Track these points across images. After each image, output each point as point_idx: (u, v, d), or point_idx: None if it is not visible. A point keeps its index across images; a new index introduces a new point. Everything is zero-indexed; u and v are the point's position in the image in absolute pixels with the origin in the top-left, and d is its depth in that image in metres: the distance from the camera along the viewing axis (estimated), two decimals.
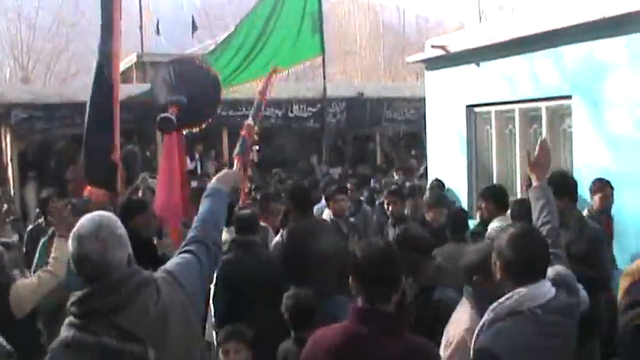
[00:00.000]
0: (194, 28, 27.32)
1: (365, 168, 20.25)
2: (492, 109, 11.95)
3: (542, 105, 10.81)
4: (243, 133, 9.82)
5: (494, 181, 11.82)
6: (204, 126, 9.91)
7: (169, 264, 3.81)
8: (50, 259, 6.16)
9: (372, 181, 15.98)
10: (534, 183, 4.81)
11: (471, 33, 12.74)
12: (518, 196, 11.25)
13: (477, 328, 3.88)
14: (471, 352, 3.88)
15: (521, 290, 3.74)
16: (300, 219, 7.97)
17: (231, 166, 17.93)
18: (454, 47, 12.47)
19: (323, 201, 10.06)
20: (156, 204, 8.75)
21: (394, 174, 17.10)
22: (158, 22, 28.14)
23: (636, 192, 8.73)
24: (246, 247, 7.14)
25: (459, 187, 12.38)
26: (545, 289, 3.80)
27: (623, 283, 4.67)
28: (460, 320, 4.52)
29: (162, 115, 8.67)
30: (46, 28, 44.83)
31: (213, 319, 7.24)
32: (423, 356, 3.78)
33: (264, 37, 16.42)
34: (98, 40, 8.38)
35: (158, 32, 27.41)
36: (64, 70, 45.63)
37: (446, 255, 6.45)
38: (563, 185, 6.58)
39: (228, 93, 17.78)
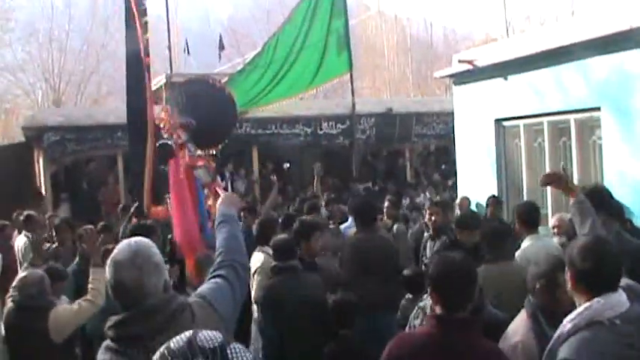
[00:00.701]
0: (221, 47, 27.37)
1: (395, 183, 20.24)
2: (521, 122, 11.93)
3: (571, 117, 10.77)
4: (200, 163, 9.29)
5: (525, 196, 11.79)
6: (220, 147, 9.54)
7: (202, 289, 3.81)
8: (89, 288, 6.27)
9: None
10: (572, 200, 4.91)
11: (498, 47, 12.75)
12: (549, 211, 11.22)
13: (554, 339, 3.82)
14: None
15: (600, 300, 3.70)
16: (362, 232, 8.19)
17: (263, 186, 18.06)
18: (481, 61, 12.48)
19: (350, 220, 10.07)
20: (175, 233, 8.25)
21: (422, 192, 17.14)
22: (187, 41, 28.17)
23: None
24: (287, 272, 6.97)
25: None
26: (623, 299, 3.77)
27: None
28: (514, 331, 4.61)
29: (161, 141, 8.40)
30: (76, 51, 45.30)
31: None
32: (493, 355, 4.14)
33: (291, 57, 16.54)
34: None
35: (188, 52, 27.45)
36: (95, 92, 46.09)
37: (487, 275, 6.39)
38: (599, 199, 6.55)
39: (257, 111, 17.97)
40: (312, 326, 6.54)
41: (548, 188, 11.20)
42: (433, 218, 9.45)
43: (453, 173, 18.79)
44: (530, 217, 7.55)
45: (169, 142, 8.19)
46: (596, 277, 3.77)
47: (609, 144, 9.91)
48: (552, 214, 11.09)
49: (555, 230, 7.79)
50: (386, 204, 11.23)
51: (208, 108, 9.01)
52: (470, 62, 12.72)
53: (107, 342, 3.38)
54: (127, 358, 3.28)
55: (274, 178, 13.54)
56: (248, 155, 19.95)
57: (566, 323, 3.76)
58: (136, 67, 9.71)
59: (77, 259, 8.46)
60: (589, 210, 4.97)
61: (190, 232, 8.13)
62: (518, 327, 4.64)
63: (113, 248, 3.60)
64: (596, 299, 3.70)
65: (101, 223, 10.72)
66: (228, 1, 71.81)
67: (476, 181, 12.89)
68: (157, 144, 8.35)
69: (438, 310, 4.21)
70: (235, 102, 9.89)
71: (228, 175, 19.79)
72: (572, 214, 5.01)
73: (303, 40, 16.64)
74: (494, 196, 11.66)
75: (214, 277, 3.91)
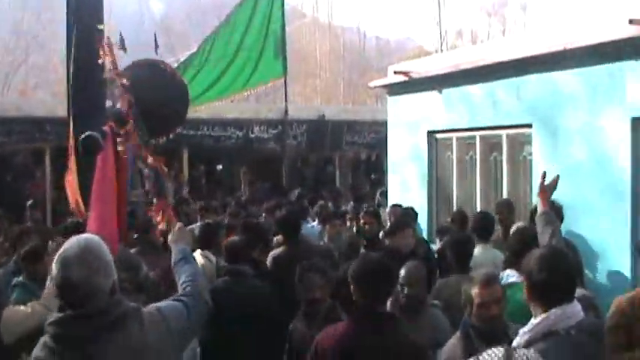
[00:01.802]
0: (156, 46, 27.10)
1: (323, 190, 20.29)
2: (454, 135, 12.07)
3: (503, 133, 10.94)
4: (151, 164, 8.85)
5: (454, 208, 11.92)
6: (170, 136, 9.21)
7: (160, 304, 3.75)
8: (45, 292, 6.12)
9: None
10: (542, 208, 5.28)
11: (434, 60, 12.90)
12: None
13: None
14: None
15: (556, 311, 3.74)
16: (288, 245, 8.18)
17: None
18: (416, 73, 12.58)
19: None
20: (89, 227, 7.34)
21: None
22: (122, 37, 27.77)
23: (592, 219, 8.87)
24: (234, 275, 6.95)
25: (419, 212, 12.47)
26: (578, 309, 3.84)
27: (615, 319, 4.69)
28: (445, 349, 4.86)
29: (87, 134, 7.88)
30: (5, 40, 44.38)
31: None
32: (416, 348, 4.70)
33: (227, 58, 16.48)
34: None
35: (124, 49, 27.04)
36: (23, 83, 45.20)
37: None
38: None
39: (189, 111, 17.80)
40: (248, 337, 6.51)
41: (478, 201, 11.39)
42: (367, 227, 9.49)
43: (382, 183, 18.95)
44: (484, 227, 7.76)
45: (96, 136, 7.69)
46: (552, 288, 3.84)
47: (539, 160, 10.08)
48: None
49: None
50: (316, 209, 11.27)
51: (161, 92, 8.78)
52: (405, 74, 12.81)
53: (46, 338, 3.30)
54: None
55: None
56: (178, 155, 19.78)
57: (522, 335, 3.82)
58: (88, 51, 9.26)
59: (14, 257, 8.18)
60: (553, 220, 5.25)
61: (110, 229, 7.34)
62: (450, 344, 4.74)
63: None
64: (552, 310, 3.76)
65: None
66: (162, 1, 71.21)
67: (406, 192, 12.99)
68: (82, 136, 7.80)
69: (360, 304, 4.76)
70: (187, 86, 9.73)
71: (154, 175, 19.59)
72: (537, 223, 5.28)
73: (240, 42, 16.60)
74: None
75: (176, 300, 3.86)
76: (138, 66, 9.12)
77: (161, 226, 7.15)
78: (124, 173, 7.77)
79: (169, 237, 4.61)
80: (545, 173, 5.45)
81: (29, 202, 11.60)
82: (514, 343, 3.84)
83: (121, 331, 3.27)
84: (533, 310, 3.86)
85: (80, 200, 9.40)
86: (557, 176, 5.73)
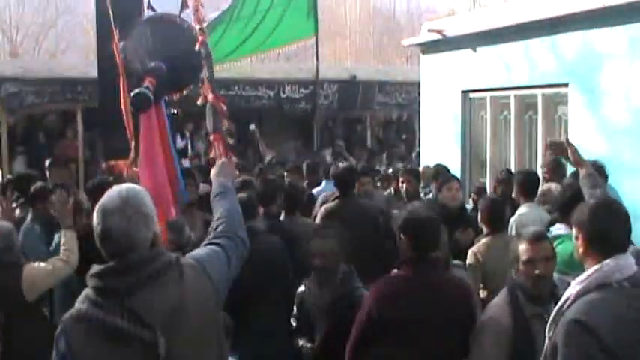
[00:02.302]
0: (184, 6, 26.99)
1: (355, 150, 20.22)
2: (488, 94, 11.95)
3: (538, 92, 10.81)
4: (210, 99, 8.25)
5: (488, 168, 11.85)
6: (185, 92, 8.99)
7: (197, 252, 3.65)
8: (62, 250, 6.14)
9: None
10: (584, 172, 5.16)
11: (468, 18, 12.72)
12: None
13: (561, 301, 3.80)
14: (559, 324, 3.75)
15: (609, 262, 3.68)
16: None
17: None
18: (450, 32, 12.45)
19: (324, 184, 10.07)
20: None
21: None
22: None
23: (632, 180, 8.75)
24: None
25: (452, 172, 12.41)
26: (631, 262, 3.76)
27: None
28: (490, 306, 4.84)
29: (137, 90, 7.39)
30: (35, 3, 44.37)
31: None
32: (463, 288, 5.06)
33: (258, 15, 16.31)
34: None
35: (150, 7, 26.88)
36: (53, 46, 45.22)
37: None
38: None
39: (219, 72, 17.76)
40: (268, 290, 6.48)
41: (512, 161, 11.29)
42: (405, 186, 9.33)
43: (413, 143, 18.85)
44: (529, 186, 7.73)
45: (145, 91, 7.22)
46: (605, 237, 3.76)
47: (575, 120, 9.97)
48: None
49: (541, 199, 7.93)
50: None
51: (181, 49, 8.10)
52: (439, 32, 12.68)
53: (88, 290, 3.26)
54: (103, 311, 3.14)
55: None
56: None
57: (575, 285, 3.76)
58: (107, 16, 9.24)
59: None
60: (597, 183, 5.14)
61: (162, 192, 7.30)
62: (496, 302, 4.70)
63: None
64: (605, 261, 3.69)
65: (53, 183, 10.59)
66: None
67: (439, 152, 12.90)
68: (132, 93, 7.29)
69: (410, 253, 4.89)
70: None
71: (188, 134, 19.62)
72: (582, 186, 5.15)
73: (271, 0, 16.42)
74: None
75: (211, 244, 3.73)
76: (154, 21, 8.84)
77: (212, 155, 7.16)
78: (165, 129, 7.71)
79: (212, 171, 4.45)
80: (567, 140, 5.37)
81: (48, 162, 11.48)
82: (566, 294, 3.80)
83: (159, 283, 3.20)
84: (586, 264, 3.80)
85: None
86: (565, 137, 5.56)
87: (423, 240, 4.88)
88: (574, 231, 3.92)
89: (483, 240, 6.89)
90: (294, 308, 6.10)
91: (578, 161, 5.41)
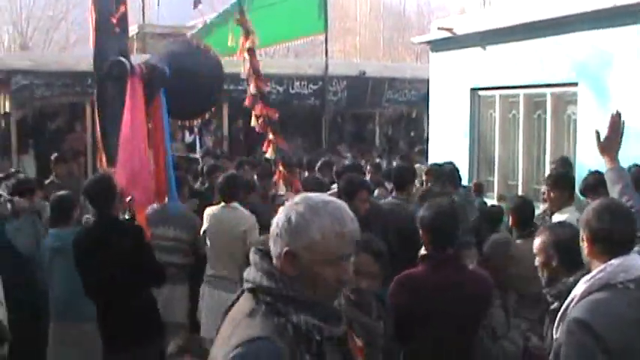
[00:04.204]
0: (197, 2, 26.97)
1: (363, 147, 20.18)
2: (497, 93, 11.95)
3: (548, 91, 10.80)
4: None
5: (497, 166, 11.84)
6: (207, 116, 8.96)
7: None
8: None
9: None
10: (609, 165, 5.00)
11: (478, 16, 12.71)
12: (519, 182, 11.30)
13: (567, 301, 3.81)
14: (565, 323, 3.76)
15: (613, 262, 3.68)
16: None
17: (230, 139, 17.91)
18: (460, 30, 12.44)
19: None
20: (117, 176, 6.79)
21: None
22: None
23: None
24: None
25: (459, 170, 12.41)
26: (637, 263, 3.74)
27: None
28: None
29: (115, 59, 7.25)
30: None
31: None
32: (485, 281, 5.09)
33: (268, 8, 16.31)
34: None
35: (157, 2, 26.87)
36: (63, 39, 45.30)
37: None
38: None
39: (230, 66, 17.78)
40: None
41: (521, 160, 11.28)
42: (429, 185, 9.40)
43: (422, 140, 18.81)
44: (523, 216, 7.06)
45: (123, 60, 7.17)
46: (609, 237, 3.75)
47: (584, 120, 9.96)
48: (522, 187, 11.21)
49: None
50: (368, 168, 11.16)
51: (197, 70, 8.40)
52: (449, 29, 12.67)
53: None
54: None
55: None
56: (218, 110, 19.75)
57: (580, 285, 3.77)
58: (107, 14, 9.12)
59: None
60: (621, 176, 5.00)
61: (142, 175, 7.05)
62: None
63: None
64: (610, 262, 3.69)
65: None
66: None
67: (448, 150, 12.89)
68: (110, 60, 7.23)
69: (429, 249, 5.05)
70: (221, 64, 9.15)
71: (196, 129, 19.64)
72: (607, 179, 5.05)
73: None
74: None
75: None
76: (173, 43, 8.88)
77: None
78: (161, 123, 7.61)
79: None
80: (598, 132, 5.17)
81: (53, 156, 11.49)
82: (572, 294, 3.80)
83: None
84: (592, 265, 3.80)
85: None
86: (617, 115, 5.19)
87: (437, 235, 4.97)
88: (581, 232, 3.92)
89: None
90: None
91: (605, 149, 5.19)
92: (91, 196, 6.26)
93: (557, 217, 6.91)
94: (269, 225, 2.81)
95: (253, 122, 9.11)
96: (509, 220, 7.07)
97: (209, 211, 7.91)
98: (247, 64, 8.87)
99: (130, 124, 6.93)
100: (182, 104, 7.96)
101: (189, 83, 8.05)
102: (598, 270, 3.72)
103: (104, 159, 8.02)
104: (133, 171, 6.88)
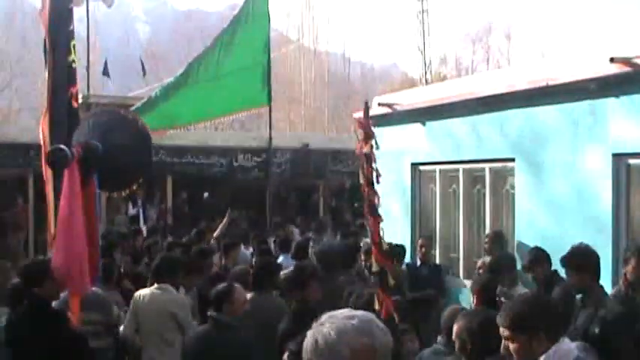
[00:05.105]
0: (144, 71, 27.06)
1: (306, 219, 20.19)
2: (437, 167, 12.12)
3: (486, 166, 11.00)
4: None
5: (437, 240, 11.98)
6: (134, 187, 8.69)
7: None
8: None
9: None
10: None
11: (418, 92, 12.97)
12: (461, 255, 11.44)
13: None
14: None
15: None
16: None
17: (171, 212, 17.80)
18: (400, 106, 12.64)
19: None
20: (54, 261, 6.65)
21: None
22: (106, 62, 27.60)
23: None
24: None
25: (402, 243, 12.51)
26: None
27: None
28: None
29: (53, 146, 7.16)
30: None
31: None
32: None
33: (213, 81, 16.43)
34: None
35: (106, 73, 26.86)
36: (7, 107, 45.08)
37: None
38: (585, 262, 6.65)
39: (173, 139, 17.82)
40: None
41: (461, 235, 11.43)
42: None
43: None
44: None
45: (64, 149, 6.95)
46: None
47: (521, 194, 10.14)
48: (463, 259, 11.34)
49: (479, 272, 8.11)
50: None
51: (124, 139, 8.10)
52: (389, 106, 12.87)
53: None
54: None
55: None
56: (162, 183, 19.77)
57: None
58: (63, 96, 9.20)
59: None
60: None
61: (77, 263, 6.73)
62: None
63: None
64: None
65: None
66: (148, 24, 71.25)
67: (390, 223, 12.96)
68: (49, 149, 7.14)
69: None
70: (149, 134, 8.64)
71: (140, 201, 19.57)
72: None
73: (226, 67, 16.54)
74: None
75: None
76: (97, 115, 8.71)
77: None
78: (93, 205, 7.40)
79: None
80: None
81: None
82: None
83: None
84: None
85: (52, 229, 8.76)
86: None
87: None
88: None
89: None
90: None
91: None
92: (24, 278, 6.24)
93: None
94: None
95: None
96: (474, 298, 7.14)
97: (139, 293, 7.89)
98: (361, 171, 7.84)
99: (66, 210, 6.77)
100: (110, 176, 7.77)
101: (117, 155, 7.84)
102: None
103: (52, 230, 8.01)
104: (70, 256, 6.70)
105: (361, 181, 7.71)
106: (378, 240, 7.24)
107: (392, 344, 2.73)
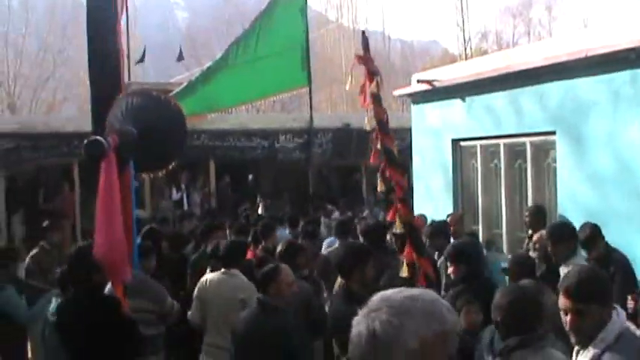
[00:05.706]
0: (180, 57, 27.16)
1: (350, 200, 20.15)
2: (478, 143, 12.07)
3: (527, 140, 10.93)
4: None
5: (480, 216, 11.94)
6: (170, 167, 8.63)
7: None
8: None
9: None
10: None
11: (457, 68, 12.90)
12: (504, 230, 11.39)
13: None
14: None
15: None
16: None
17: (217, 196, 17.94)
18: (440, 82, 12.61)
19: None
20: (95, 251, 6.48)
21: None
22: (145, 49, 27.78)
23: (618, 227, 8.81)
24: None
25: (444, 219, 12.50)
26: None
27: None
28: None
29: (89, 138, 6.86)
30: (32, 55, 44.77)
31: None
32: None
33: (252, 63, 16.46)
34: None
35: (142, 60, 26.97)
36: (51, 97, 45.60)
37: None
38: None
39: (215, 122, 17.94)
40: None
41: (504, 209, 11.37)
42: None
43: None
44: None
45: (100, 139, 6.70)
46: None
47: (563, 168, 10.07)
48: (506, 234, 11.30)
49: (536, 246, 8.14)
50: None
51: (158, 121, 7.78)
52: (429, 82, 12.84)
53: None
54: None
55: None
56: (205, 167, 19.89)
57: None
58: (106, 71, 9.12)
59: None
60: None
61: (119, 251, 6.65)
62: None
63: None
64: None
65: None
66: (187, 10, 71.52)
67: (431, 200, 13.00)
68: (85, 141, 7.25)
69: None
70: (184, 116, 8.31)
71: (183, 186, 19.73)
72: None
73: (266, 49, 16.57)
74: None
75: None
76: (134, 94, 8.61)
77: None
78: (129, 191, 7.33)
79: None
80: None
81: (45, 223, 11.34)
82: None
83: None
84: None
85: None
86: None
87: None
88: None
89: None
90: None
91: None
92: (71, 267, 6.32)
93: (563, 270, 7.05)
94: None
95: (379, 187, 7.82)
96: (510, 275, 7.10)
97: (206, 278, 7.88)
98: (370, 113, 7.51)
99: (106, 200, 6.63)
100: (145, 156, 7.72)
101: (151, 135, 7.78)
102: None
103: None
104: (112, 246, 6.74)
105: (368, 127, 7.30)
106: (401, 195, 6.93)
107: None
